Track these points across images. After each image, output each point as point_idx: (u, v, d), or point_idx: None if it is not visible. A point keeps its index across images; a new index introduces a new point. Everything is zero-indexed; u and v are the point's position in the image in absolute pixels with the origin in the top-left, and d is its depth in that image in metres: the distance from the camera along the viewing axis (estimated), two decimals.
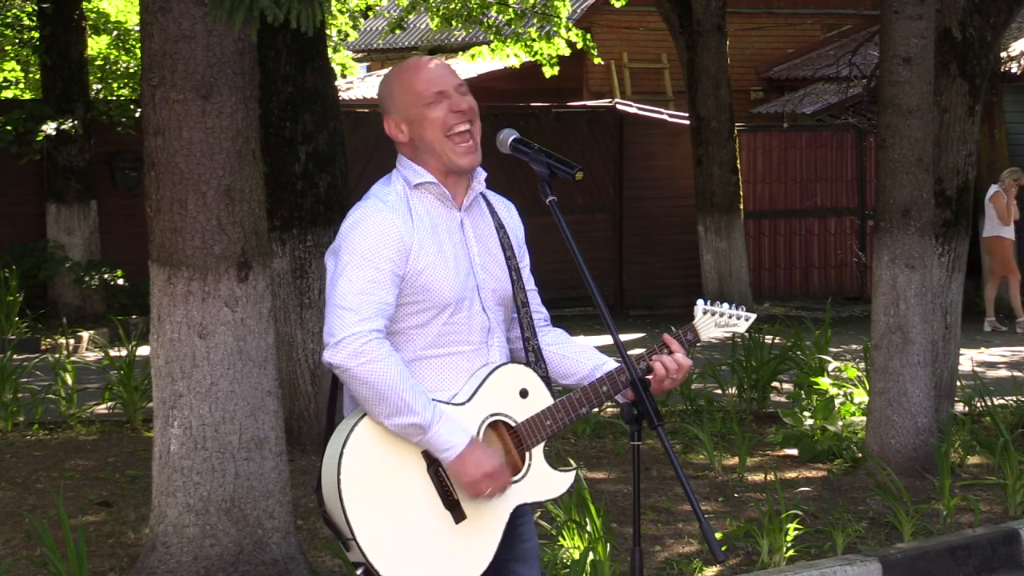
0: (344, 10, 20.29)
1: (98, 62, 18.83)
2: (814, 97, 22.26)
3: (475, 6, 19.71)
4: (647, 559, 6.88)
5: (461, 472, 3.77)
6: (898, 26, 8.51)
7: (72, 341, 14.72)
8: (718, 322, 4.08)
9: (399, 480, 3.77)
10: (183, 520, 6.20)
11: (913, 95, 8.51)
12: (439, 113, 3.90)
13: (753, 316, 4.14)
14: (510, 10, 19.60)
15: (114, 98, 17.76)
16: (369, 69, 29.93)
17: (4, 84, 20.61)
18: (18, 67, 20.86)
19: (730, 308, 4.10)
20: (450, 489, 3.80)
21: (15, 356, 10.79)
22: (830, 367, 10.20)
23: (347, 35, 21.22)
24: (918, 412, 8.56)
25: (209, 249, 6.14)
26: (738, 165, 17.66)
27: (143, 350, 9.51)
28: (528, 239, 4.17)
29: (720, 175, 17.35)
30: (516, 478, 3.86)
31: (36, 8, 16.63)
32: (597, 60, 20.98)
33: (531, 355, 4.01)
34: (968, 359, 13.12)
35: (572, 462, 4.12)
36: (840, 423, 9.38)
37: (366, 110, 17.94)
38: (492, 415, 3.87)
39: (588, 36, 20.34)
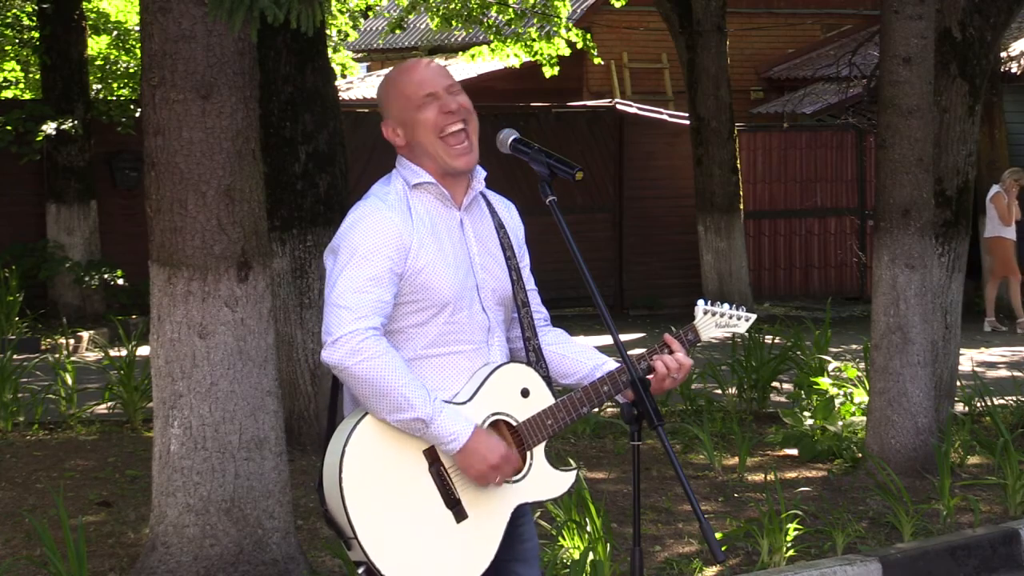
0: (344, 10, 20.29)
1: (98, 62, 18.83)
2: (814, 97, 22.26)
3: (475, 6, 19.71)
4: (647, 559, 6.88)
5: (467, 465, 3.77)
6: (898, 26, 8.51)
7: (72, 341, 14.72)
8: (719, 322, 4.09)
9: (401, 479, 3.77)
10: (183, 520, 6.20)
11: (913, 95, 8.51)
12: (430, 115, 3.90)
13: (753, 317, 4.14)
14: (510, 10, 19.59)
15: (114, 98, 17.76)
16: (369, 69, 29.94)
17: (4, 84, 20.61)
18: (18, 67, 20.86)
19: (731, 308, 4.10)
20: (451, 488, 3.80)
21: (15, 356, 10.79)
22: (830, 367, 10.20)
23: (347, 35, 21.22)
24: (918, 412, 8.56)
25: (209, 249, 6.14)
26: (738, 165, 17.66)
27: (143, 350, 9.51)
28: (528, 239, 4.17)
29: (720, 175, 17.35)
30: (517, 477, 3.87)
31: (36, 8, 16.63)
32: (597, 60, 20.98)
33: (532, 355, 4.02)
34: (968, 359, 13.12)
35: (572, 462, 4.12)
36: (840, 423, 9.39)
37: (366, 110, 17.93)
38: (493, 414, 3.87)
39: (588, 36, 20.34)
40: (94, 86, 17.75)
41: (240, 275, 6.19)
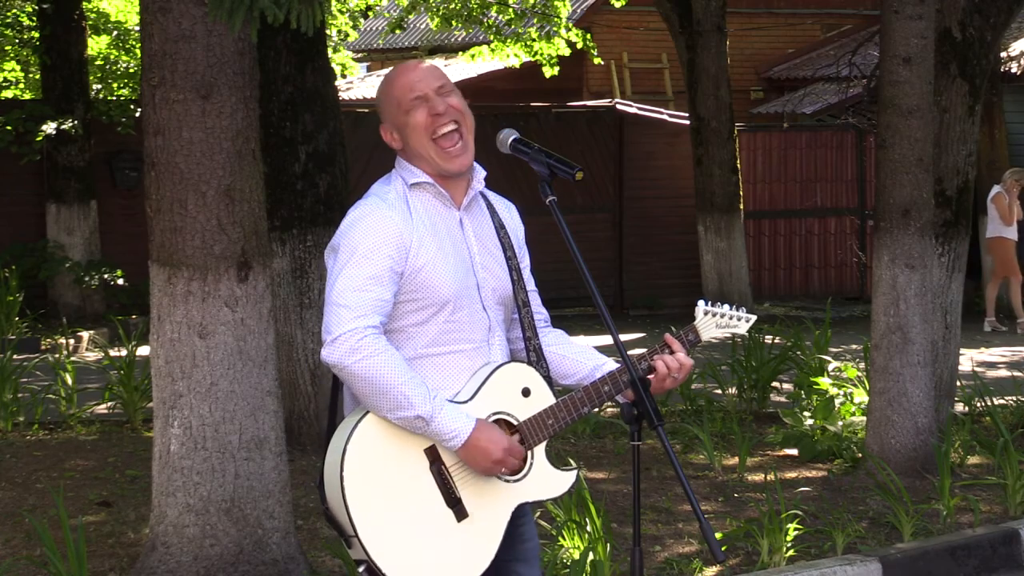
0: (344, 10, 20.29)
1: (98, 62, 18.83)
2: (814, 97, 22.26)
3: (475, 6, 19.70)
4: (647, 559, 6.88)
5: (471, 461, 3.78)
6: (898, 26, 8.51)
7: (72, 341, 14.72)
8: (719, 323, 4.09)
9: (402, 478, 3.78)
10: (183, 520, 6.20)
11: (913, 95, 8.51)
12: (419, 118, 3.91)
13: (754, 317, 4.14)
14: (510, 10, 19.59)
15: (114, 98, 17.76)
16: (369, 69, 29.94)
17: (4, 84, 20.61)
18: (18, 67, 20.86)
19: (731, 309, 4.10)
20: (452, 487, 3.81)
21: (15, 356, 10.79)
22: (830, 367, 10.20)
23: (347, 35, 21.22)
24: (918, 412, 8.56)
25: (209, 249, 6.14)
26: (738, 165, 17.66)
27: (143, 350, 9.51)
28: (528, 239, 4.17)
29: (720, 175, 17.35)
30: (518, 477, 3.87)
31: (36, 8, 16.62)
32: (597, 60, 20.97)
33: (532, 355, 4.02)
34: (968, 359, 13.12)
35: (572, 462, 4.12)
36: (840, 423, 9.39)
37: (366, 110, 17.93)
38: (494, 413, 3.87)
39: (588, 36, 20.33)
40: (94, 86, 17.76)
41: (240, 275, 6.19)
